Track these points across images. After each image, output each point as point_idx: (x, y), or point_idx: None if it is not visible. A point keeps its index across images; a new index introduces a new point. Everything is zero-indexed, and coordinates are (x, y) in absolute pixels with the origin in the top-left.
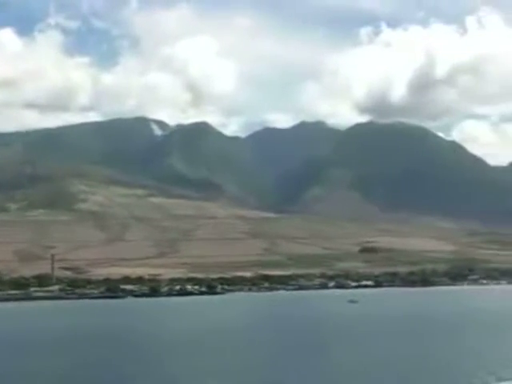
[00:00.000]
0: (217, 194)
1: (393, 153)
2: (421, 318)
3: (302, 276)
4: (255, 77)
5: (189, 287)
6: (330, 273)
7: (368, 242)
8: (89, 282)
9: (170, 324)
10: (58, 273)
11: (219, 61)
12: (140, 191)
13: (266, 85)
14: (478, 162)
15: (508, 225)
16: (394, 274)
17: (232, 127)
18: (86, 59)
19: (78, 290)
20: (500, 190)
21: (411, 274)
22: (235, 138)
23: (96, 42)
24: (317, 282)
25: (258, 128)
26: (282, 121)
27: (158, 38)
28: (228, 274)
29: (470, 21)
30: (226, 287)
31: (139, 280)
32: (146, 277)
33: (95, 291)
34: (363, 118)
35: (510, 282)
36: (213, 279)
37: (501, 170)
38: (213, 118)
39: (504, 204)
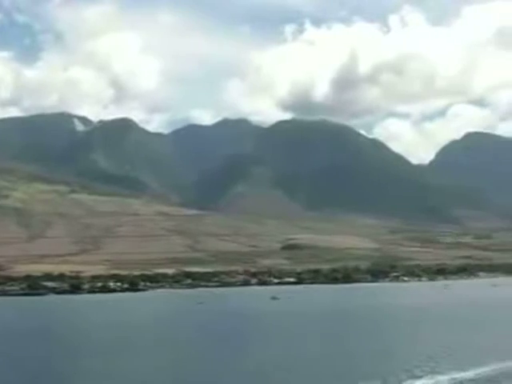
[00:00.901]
0: (139, 191)
1: (316, 150)
2: (340, 315)
3: (224, 273)
4: (178, 73)
5: (111, 284)
6: (253, 270)
7: (291, 239)
8: (10, 278)
9: (86, 321)
10: None
11: (142, 57)
12: (62, 187)
13: (189, 82)
14: (399, 160)
15: (429, 222)
16: (317, 271)
17: (155, 124)
18: (7, 54)
19: None
20: (421, 188)
21: (334, 271)
22: (158, 135)
23: (18, 36)
24: (239, 278)
25: (181, 125)
26: (205, 118)
27: (82, 33)
28: (150, 271)
29: (393, 20)
30: (148, 284)
31: (61, 277)
32: (68, 274)
33: (16, 288)
34: (286, 116)
35: (431, 279)
36: (135, 276)
37: (422, 168)
38: (136, 115)
39: (425, 202)
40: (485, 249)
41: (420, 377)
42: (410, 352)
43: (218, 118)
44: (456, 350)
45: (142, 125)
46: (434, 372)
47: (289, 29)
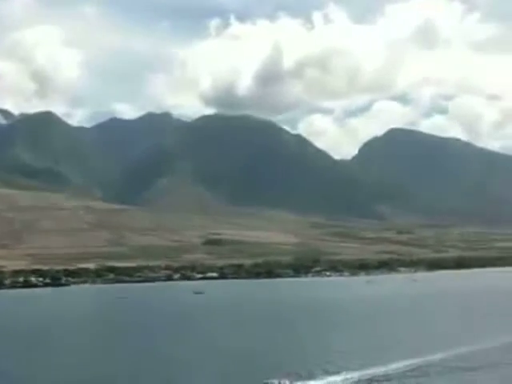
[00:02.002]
0: (62, 185)
1: (239, 146)
2: (259, 309)
3: (147, 268)
4: (102, 67)
5: (33, 279)
6: (176, 265)
7: (213, 234)
8: None
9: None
10: None
11: (65, 50)
12: None
13: (112, 75)
14: (322, 155)
15: (352, 218)
16: (239, 266)
17: (78, 117)
18: None
19: None
20: (344, 184)
21: (256, 265)
22: (81, 128)
23: None
24: (162, 273)
25: (104, 118)
26: (129, 112)
27: (2, 25)
28: (73, 266)
29: (317, 16)
30: (70, 279)
31: None
32: None
33: None
34: (210, 110)
35: (353, 274)
36: (57, 271)
37: (345, 164)
38: (58, 108)
39: (348, 197)
40: (406, 244)
41: (333, 373)
42: (323, 346)
43: (142, 112)
44: (367, 346)
45: (64, 118)
46: (346, 368)
47: (213, 24)
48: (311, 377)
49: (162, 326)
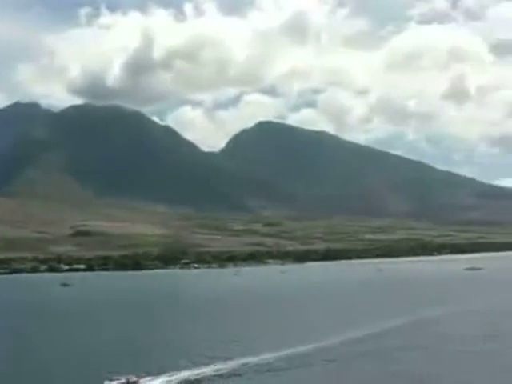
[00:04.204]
0: None
1: (108, 136)
2: (124, 302)
3: (12, 259)
4: None
5: None
6: (42, 256)
7: (82, 225)
8: None
9: None
10: None
11: None
12: None
13: None
14: (191, 147)
15: (220, 210)
16: (107, 258)
17: None
18: None
19: None
20: (212, 176)
21: (124, 257)
22: None
23: None
24: (29, 265)
25: None
26: None
27: None
28: None
29: (188, 7)
30: None
31: None
32: None
33: None
34: (79, 100)
35: (221, 266)
36: None
37: (213, 156)
38: None
39: (216, 189)
40: (274, 236)
41: (171, 372)
42: (182, 340)
43: (9, 102)
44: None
45: None
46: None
47: (84, 12)
48: (162, 371)
49: (15, 321)
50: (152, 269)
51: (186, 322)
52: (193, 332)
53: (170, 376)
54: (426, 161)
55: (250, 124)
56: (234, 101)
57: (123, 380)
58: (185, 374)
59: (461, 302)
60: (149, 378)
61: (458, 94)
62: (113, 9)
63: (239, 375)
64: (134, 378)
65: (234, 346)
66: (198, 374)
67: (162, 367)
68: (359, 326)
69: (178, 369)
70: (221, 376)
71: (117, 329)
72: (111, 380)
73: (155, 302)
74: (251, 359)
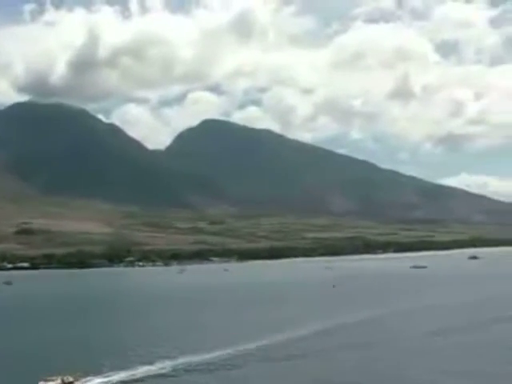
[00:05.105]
0: None
1: (53, 134)
2: (66, 301)
3: None
4: None
5: None
6: None
7: (25, 223)
8: None
9: None
10: None
11: None
12: None
13: None
14: (136, 145)
15: (164, 208)
16: (51, 256)
17: None
18: None
19: None
20: (157, 174)
21: (68, 255)
22: None
23: None
24: None
25: None
26: None
27: None
28: None
29: (134, 4)
30: None
31: None
32: None
33: None
34: (23, 98)
35: (166, 264)
36: None
37: (158, 154)
38: None
39: (161, 187)
40: (218, 234)
41: (106, 374)
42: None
43: None
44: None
45: None
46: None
47: (28, 8)
48: (100, 371)
49: None
50: (97, 267)
51: (127, 320)
52: (134, 331)
53: (107, 377)
54: (371, 160)
55: (196, 122)
56: (180, 98)
57: (59, 380)
58: (122, 375)
59: (409, 298)
60: (86, 379)
61: (402, 94)
62: (58, 5)
63: (175, 376)
64: (70, 379)
65: (175, 346)
66: (134, 375)
67: (99, 367)
68: (302, 324)
69: (116, 369)
70: (163, 376)
71: (56, 328)
72: (46, 380)
73: (97, 301)
74: (190, 359)
